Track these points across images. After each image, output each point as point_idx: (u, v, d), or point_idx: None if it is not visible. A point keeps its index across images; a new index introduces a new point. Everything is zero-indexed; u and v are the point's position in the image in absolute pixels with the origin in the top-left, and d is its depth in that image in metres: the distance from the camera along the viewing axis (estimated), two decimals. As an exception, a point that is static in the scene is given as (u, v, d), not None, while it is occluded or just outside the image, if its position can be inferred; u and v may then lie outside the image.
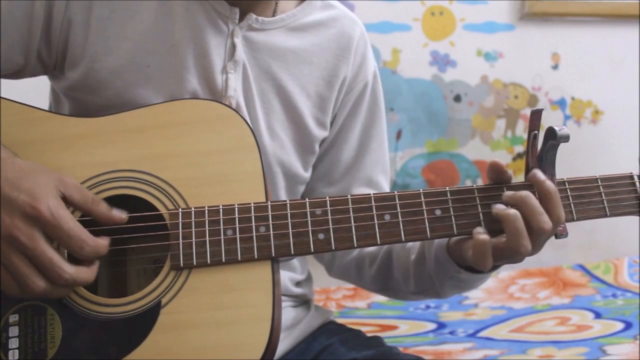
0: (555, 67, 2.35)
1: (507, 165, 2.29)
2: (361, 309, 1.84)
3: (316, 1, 0.98)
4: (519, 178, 0.77)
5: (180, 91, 0.87)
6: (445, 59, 2.28)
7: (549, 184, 0.75)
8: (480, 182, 2.24)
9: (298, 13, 0.95)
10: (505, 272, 2.07)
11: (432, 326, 1.72)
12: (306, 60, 0.95)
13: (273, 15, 0.93)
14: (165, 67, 0.87)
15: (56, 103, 0.97)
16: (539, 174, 0.76)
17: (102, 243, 0.71)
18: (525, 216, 0.73)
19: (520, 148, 2.32)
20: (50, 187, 0.69)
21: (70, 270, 0.68)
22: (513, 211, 0.73)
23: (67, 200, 0.71)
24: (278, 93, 0.93)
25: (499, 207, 0.75)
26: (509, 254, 0.74)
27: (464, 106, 2.31)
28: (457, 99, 2.29)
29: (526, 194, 0.74)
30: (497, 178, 0.78)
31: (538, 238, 0.74)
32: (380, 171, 1.03)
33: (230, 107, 0.81)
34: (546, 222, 0.73)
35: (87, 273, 0.71)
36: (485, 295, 1.91)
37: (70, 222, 0.69)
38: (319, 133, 0.98)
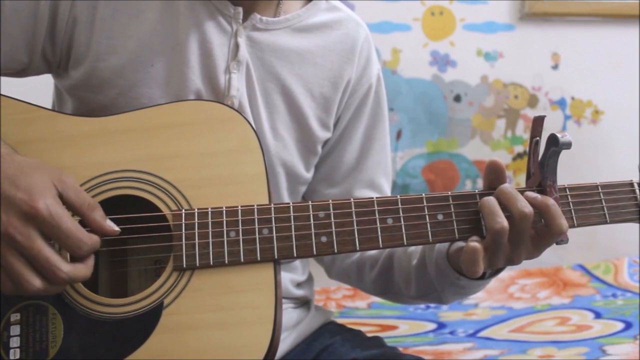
0: (555, 67, 2.35)
1: (507, 165, 2.32)
2: (361, 309, 1.84)
3: (321, 3, 0.98)
4: (518, 178, 0.77)
5: (183, 90, 0.87)
6: (445, 59, 2.28)
7: (540, 199, 0.75)
8: (480, 182, 2.24)
9: (303, 14, 0.95)
10: (505, 272, 2.06)
11: (432, 326, 1.72)
12: (310, 61, 0.94)
13: (275, 16, 0.93)
14: (168, 67, 0.87)
15: (59, 101, 0.97)
16: (529, 194, 0.76)
17: (98, 240, 0.70)
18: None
19: (520, 148, 2.32)
20: (48, 184, 0.68)
21: (66, 268, 0.67)
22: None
23: (63, 201, 0.69)
24: (282, 93, 0.93)
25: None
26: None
27: (464, 106, 2.31)
28: (457, 99, 2.29)
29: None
30: (494, 179, 0.78)
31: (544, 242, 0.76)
32: (382, 174, 1.03)
33: (233, 108, 0.81)
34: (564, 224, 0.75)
35: (83, 270, 0.69)
36: (485, 295, 1.91)
37: (68, 221, 0.67)
38: (322, 134, 0.98)
